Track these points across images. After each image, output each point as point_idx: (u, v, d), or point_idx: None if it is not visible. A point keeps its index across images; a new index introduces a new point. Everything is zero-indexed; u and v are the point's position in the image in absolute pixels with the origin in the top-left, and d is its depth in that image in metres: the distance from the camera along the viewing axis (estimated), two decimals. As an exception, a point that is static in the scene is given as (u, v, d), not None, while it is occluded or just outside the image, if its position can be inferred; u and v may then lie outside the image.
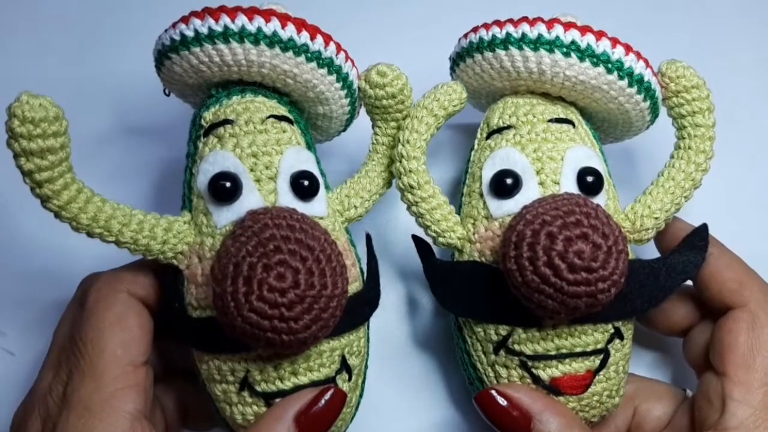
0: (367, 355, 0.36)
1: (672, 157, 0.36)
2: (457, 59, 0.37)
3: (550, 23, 0.33)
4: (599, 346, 0.33)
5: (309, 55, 0.33)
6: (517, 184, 0.34)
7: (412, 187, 0.34)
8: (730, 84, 0.45)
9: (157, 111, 0.44)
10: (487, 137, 0.36)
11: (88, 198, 0.31)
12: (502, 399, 0.32)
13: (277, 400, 0.32)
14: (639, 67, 0.34)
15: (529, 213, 0.31)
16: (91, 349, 0.30)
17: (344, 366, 0.33)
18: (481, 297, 0.34)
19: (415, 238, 0.36)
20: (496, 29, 0.34)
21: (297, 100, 0.36)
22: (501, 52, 0.34)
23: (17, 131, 0.28)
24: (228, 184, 0.32)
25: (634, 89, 0.34)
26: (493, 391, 0.33)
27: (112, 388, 0.30)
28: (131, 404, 0.30)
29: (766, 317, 0.32)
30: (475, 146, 0.37)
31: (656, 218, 0.35)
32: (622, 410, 0.36)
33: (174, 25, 0.33)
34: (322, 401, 0.31)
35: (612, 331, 0.34)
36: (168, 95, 0.38)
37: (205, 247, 0.32)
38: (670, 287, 0.34)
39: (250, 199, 0.32)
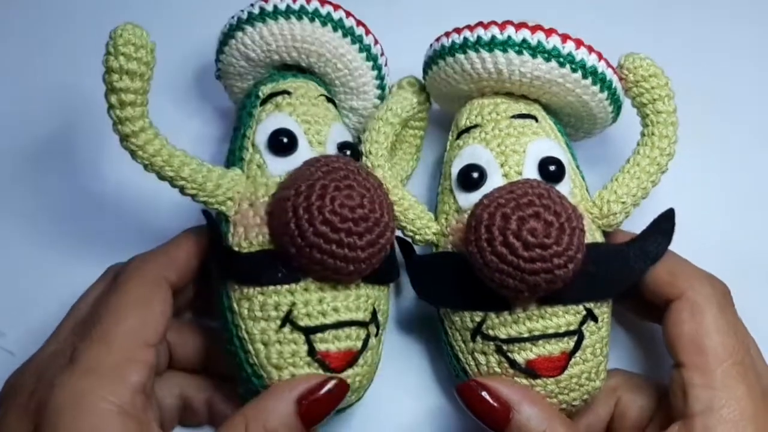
0: (386, 325, 0.37)
1: (638, 144, 0.37)
2: (426, 68, 0.40)
3: (502, 25, 0.36)
4: (572, 328, 0.34)
5: (362, 46, 0.39)
6: (482, 177, 0.36)
7: None
8: (720, 80, 0.47)
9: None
10: (457, 138, 0.38)
11: (156, 133, 0.33)
12: (482, 390, 0.33)
13: (318, 335, 0.33)
14: (591, 60, 0.36)
15: (486, 199, 0.33)
16: (109, 319, 0.31)
17: (375, 319, 0.35)
18: (453, 286, 0.35)
19: (398, 239, 0.38)
20: (455, 35, 0.37)
21: (336, 92, 0.40)
22: (461, 56, 0.37)
23: (121, 49, 0.31)
24: (286, 139, 0.35)
25: (588, 80, 0.36)
26: (473, 383, 0.34)
27: (121, 357, 0.30)
28: (136, 376, 0.30)
29: (704, 301, 0.33)
30: (447, 147, 0.39)
31: (623, 203, 0.36)
32: (605, 400, 0.36)
33: (253, 3, 0.38)
34: (325, 388, 0.32)
35: (584, 313, 0.35)
36: (218, 78, 0.41)
37: (258, 193, 0.34)
38: (640, 270, 0.35)
39: (304, 155, 0.35)
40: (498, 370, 0.35)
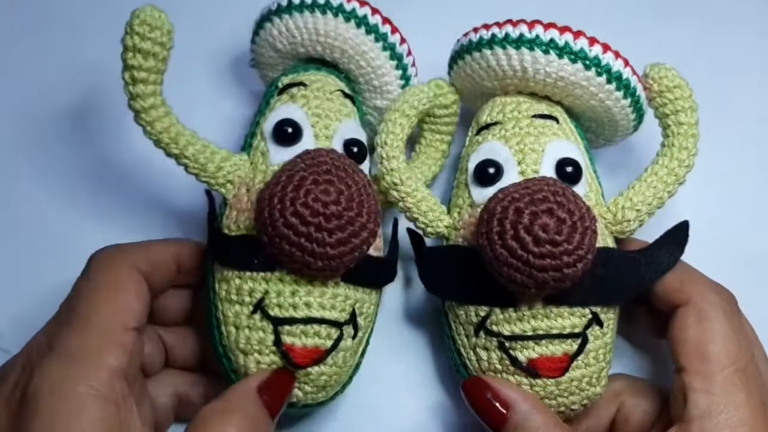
0: (372, 328, 0.37)
1: (657, 154, 0.37)
2: (451, 62, 0.40)
3: (531, 24, 0.36)
4: (576, 330, 0.34)
5: (386, 44, 0.38)
6: (498, 172, 0.36)
7: (395, 184, 0.36)
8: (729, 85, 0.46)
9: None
10: (477, 133, 0.39)
11: (167, 112, 0.35)
12: (484, 388, 0.34)
13: (286, 327, 0.33)
14: (617, 65, 0.36)
15: (501, 192, 0.33)
16: (85, 306, 0.31)
17: (353, 320, 0.34)
18: (460, 279, 0.35)
19: (409, 231, 0.38)
20: (482, 31, 0.37)
21: (361, 89, 0.40)
22: (487, 52, 0.37)
23: (135, 29, 0.33)
24: (290, 130, 0.36)
25: (612, 85, 0.36)
26: (476, 380, 0.34)
27: (97, 342, 0.30)
28: (114, 360, 0.30)
29: (710, 308, 0.33)
30: (466, 143, 0.39)
31: (638, 210, 0.36)
32: (607, 404, 0.36)
33: None
34: (278, 381, 0.33)
35: (590, 316, 0.34)
36: (252, 66, 0.42)
37: (255, 180, 0.35)
38: (650, 279, 0.35)
39: (307, 147, 0.35)
40: (499, 366, 0.35)
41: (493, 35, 0.36)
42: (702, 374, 0.32)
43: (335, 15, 0.37)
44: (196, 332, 0.38)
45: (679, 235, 0.36)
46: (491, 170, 0.36)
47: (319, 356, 0.33)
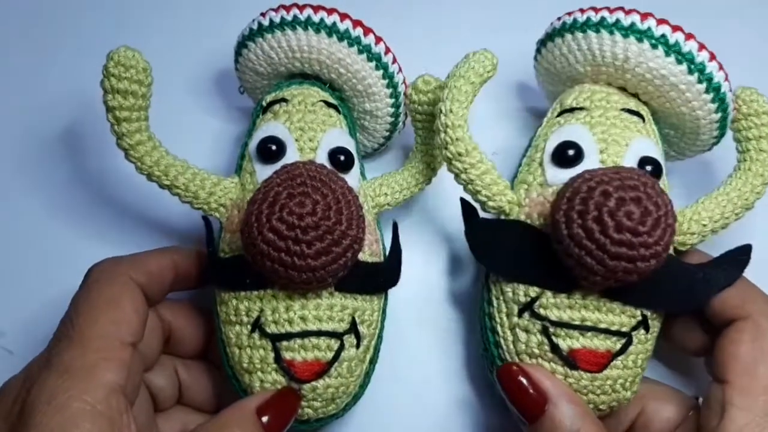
0: (380, 335, 0.37)
1: (730, 176, 0.37)
2: (546, 39, 0.39)
3: (644, 15, 0.35)
4: (624, 329, 0.34)
5: (360, 47, 0.38)
6: (579, 156, 0.35)
7: (460, 154, 0.34)
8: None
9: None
10: (558, 115, 0.38)
11: (155, 145, 0.35)
12: (523, 377, 0.33)
13: (284, 343, 0.33)
14: (719, 77, 0.35)
15: (588, 173, 0.32)
16: (82, 321, 0.31)
17: (354, 329, 0.34)
18: (518, 255, 0.34)
19: (462, 201, 0.37)
20: (591, 13, 0.36)
21: (348, 96, 0.40)
22: (591, 34, 0.36)
23: (110, 71, 0.33)
24: (273, 147, 0.36)
25: (709, 96, 0.35)
26: (514, 367, 0.33)
27: (95, 357, 0.30)
28: (111, 376, 0.30)
29: None
30: (543, 123, 0.38)
31: (703, 225, 0.36)
32: (629, 407, 0.36)
33: (253, 20, 0.39)
34: (280, 401, 0.33)
35: (639, 318, 0.34)
36: (242, 93, 0.43)
37: (245, 200, 0.35)
38: (705, 295, 0.34)
39: (291, 161, 0.35)
40: (536, 351, 0.34)
41: (603, 18, 0.36)
42: (746, 391, 0.31)
43: (305, 29, 0.37)
44: (213, 372, 0.38)
45: (740, 257, 0.35)
46: (571, 152, 0.35)
47: (321, 369, 0.33)
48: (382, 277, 0.36)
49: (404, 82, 0.40)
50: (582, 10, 0.37)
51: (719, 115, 0.36)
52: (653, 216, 0.31)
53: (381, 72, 0.39)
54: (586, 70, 0.38)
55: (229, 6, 0.49)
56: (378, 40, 0.39)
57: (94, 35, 0.49)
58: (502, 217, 0.36)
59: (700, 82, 0.35)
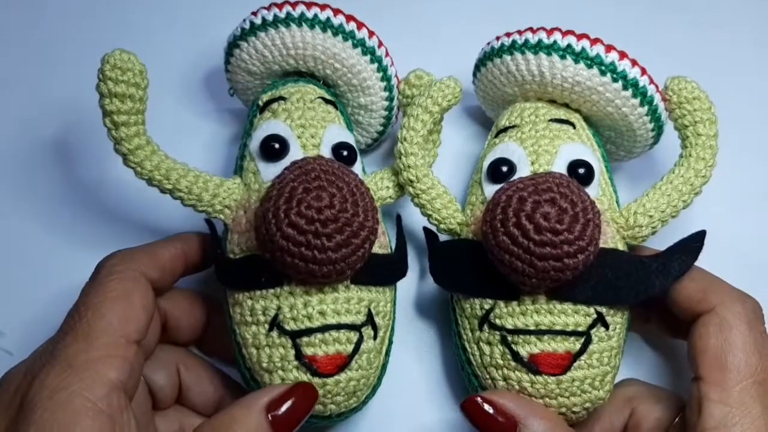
0: (393, 326, 0.37)
1: (675, 164, 0.38)
2: (475, 71, 0.42)
3: (550, 31, 0.37)
4: (580, 329, 0.34)
5: (355, 41, 0.39)
6: (511, 171, 0.37)
7: (411, 181, 0.37)
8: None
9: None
10: (495, 136, 0.40)
11: (154, 150, 0.35)
12: (488, 405, 0.33)
13: (305, 339, 0.33)
14: (633, 72, 0.37)
15: (507, 184, 0.34)
16: (90, 315, 0.31)
17: (371, 321, 0.35)
18: (467, 272, 0.36)
19: (425, 229, 0.39)
20: (504, 38, 0.39)
21: (343, 92, 0.41)
22: (507, 57, 0.38)
23: (107, 74, 0.33)
24: (277, 145, 0.36)
25: (628, 92, 0.37)
26: (478, 398, 0.33)
27: (99, 353, 0.30)
28: (114, 373, 0.30)
29: (732, 317, 0.32)
30: (485, 146, 0.40)
31: (650, 216, 0.36)
32: (619, 409, 0.36)
33: (244, 19, 0.39)
34: (294, 397, 0.32)
35: (594, 316, 0.34)
36: (232, 95, 0.43)
37: (251, 200, 0.35)
38: (660, 285, 0.34)
39: (295, 159, 0.35)
40: (501, 361, 0.35)
41: (514, 41, 0.38)
42: (719, 385, 0.31)
43: (299, 25, 0.38)
44: (215, 374, 0.38)
45: (693, 243, 0.35)
46: (504, 168, 0.37)
47: (343, 362, 0.33)
48: (393, 268, 0.37)
49: (396, 76, 0.41)
50: (498, 38, 0.40)
51: (646, 108, 0.37)
52: (569, 213, 0.32)
53: (375, 65, 0.39)
54: (514, 91, 0.40)
55: (214, 8, 0.49)
56: (371, 34, 0.39)
57: (85, 41, 0.48)
58: (454, 237, 0.38)
59: (615, 81, 0.36)
